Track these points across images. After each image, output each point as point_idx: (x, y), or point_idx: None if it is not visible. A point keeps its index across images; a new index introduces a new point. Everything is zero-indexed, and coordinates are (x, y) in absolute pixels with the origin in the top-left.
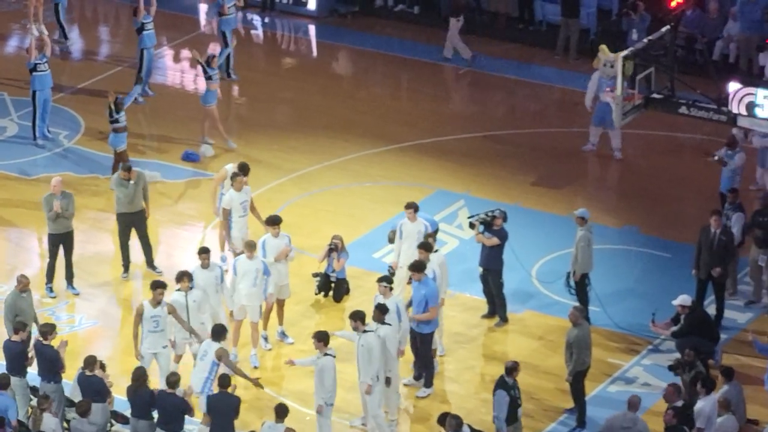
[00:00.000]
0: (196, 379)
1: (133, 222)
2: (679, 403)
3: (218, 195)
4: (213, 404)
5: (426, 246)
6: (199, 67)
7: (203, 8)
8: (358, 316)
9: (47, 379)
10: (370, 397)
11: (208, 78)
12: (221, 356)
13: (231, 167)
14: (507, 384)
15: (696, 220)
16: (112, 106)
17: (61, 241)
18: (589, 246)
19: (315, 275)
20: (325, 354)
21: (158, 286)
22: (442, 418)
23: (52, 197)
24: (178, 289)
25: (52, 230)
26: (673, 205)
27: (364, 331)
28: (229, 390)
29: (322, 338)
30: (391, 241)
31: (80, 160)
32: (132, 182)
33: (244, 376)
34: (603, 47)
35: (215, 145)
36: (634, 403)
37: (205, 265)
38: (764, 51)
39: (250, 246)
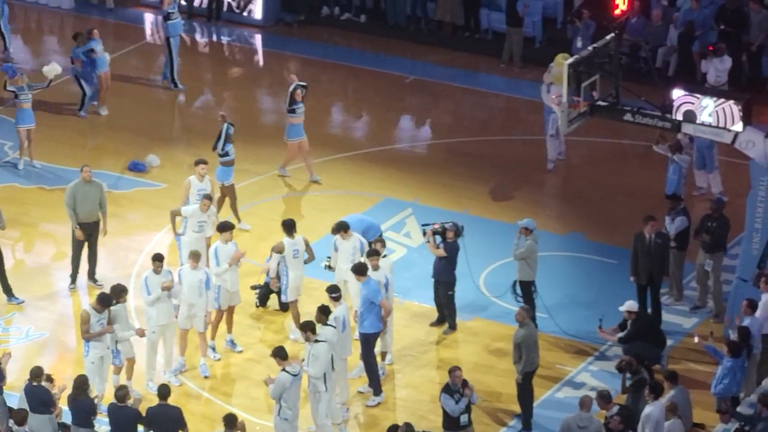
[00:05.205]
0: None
1: (90, 233)
2: (616, 409)
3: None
4: (153, 417)
5: (373, 253)
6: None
7: (149, 18)
8: (308, 327)
9: None
10: (318, 406)
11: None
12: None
13: (194, 179)
14: (450, 388)
15: (642, 226)
16: (223, 136)
17: None
18: (532, 256)
19: (254, 287)
20: (283, 370)
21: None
22: (393, 430)
23: None
24: (116, 302)
25: None
26: (619, 211)
27: (316, 341)
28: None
29: (278, 354)
30: (327, 267)
31: (25, 171)
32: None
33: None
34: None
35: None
36: (586, 403)
37: (158, 272)
38: (707, 58)
39: (194, 256)
